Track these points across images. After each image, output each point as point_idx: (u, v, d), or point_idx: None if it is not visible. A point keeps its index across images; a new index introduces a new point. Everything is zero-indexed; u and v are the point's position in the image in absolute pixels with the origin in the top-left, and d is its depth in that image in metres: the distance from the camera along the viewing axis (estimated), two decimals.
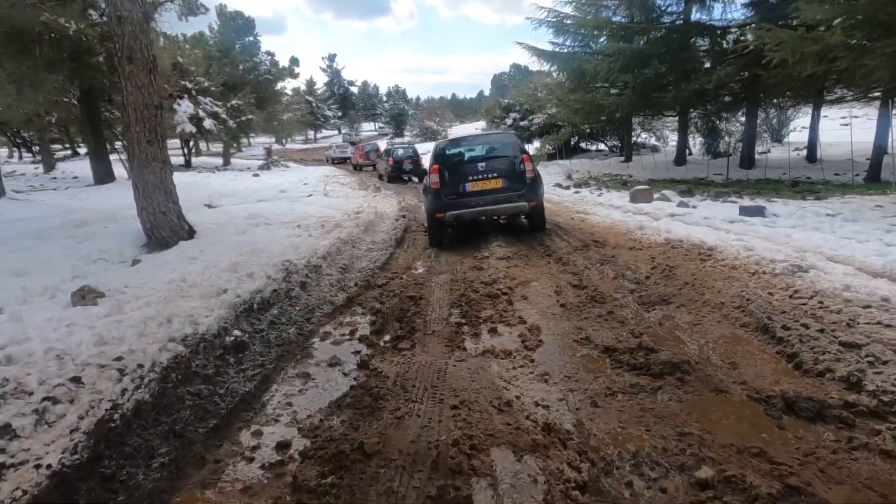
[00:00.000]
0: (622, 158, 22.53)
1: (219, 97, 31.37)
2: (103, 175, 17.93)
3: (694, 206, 9.99)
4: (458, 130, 57.42)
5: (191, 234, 6.24)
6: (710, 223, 8.01)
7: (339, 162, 36.36)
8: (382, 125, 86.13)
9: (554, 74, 21.78)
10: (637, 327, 3.98)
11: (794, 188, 11.90)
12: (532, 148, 29.02)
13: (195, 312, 3.75)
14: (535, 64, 18.80)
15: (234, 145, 44.93)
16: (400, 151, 21.34)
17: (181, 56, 30.18)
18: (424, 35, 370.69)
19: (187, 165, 31.34)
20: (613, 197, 12.35)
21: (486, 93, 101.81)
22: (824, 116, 25.59)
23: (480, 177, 7.30)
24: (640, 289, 4.90)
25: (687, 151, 19.44)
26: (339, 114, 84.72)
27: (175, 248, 5.73)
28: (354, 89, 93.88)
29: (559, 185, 15.68)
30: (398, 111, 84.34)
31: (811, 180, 13.23)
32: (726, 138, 21.51)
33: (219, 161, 35.81)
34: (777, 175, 14.49)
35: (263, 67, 37.27)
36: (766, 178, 14.22)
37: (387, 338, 3.99)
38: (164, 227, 5.89)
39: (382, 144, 28.83)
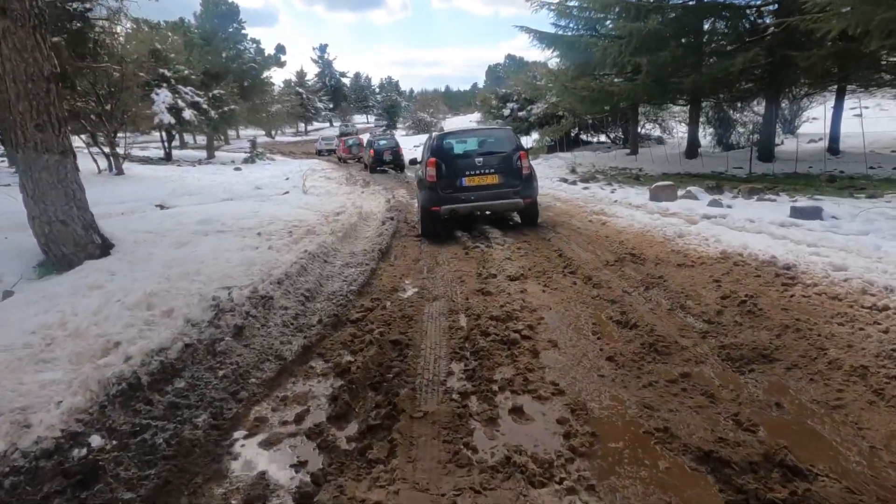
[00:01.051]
0: (627, 151, 21.19)
1: (200, 86, 29.79)
2: None
3: (729, 206, 8.61)
4: (452, 123, 55.86)
5: (105, 248, 4.76)
6: (760, 227, 6.62)
7: (327, 153, 36.04)
8: (377, 117, 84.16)
9: (553, 64, 20.34)
10: (740, 409, 2.57)
11: (833, 184, 10.57)
12: (530, 140, 27.66)
13: (39, 398, 2.31)
14: (535, 51, 17.64)
15: (221, 137, 43.14)
16: (382, 142, 22.12)
17: (159, 42, 28.59)
18: (417, 27, 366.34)
19: (167, 159, 29.68)
20: (629, 194, 10.95)
21: (481, 85, 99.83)
22: (832, 108, 24.34)
23: (478, 172, 7.11)
24: (717, 332, 3.48)
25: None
26: (331, 106, 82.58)
27: (78, 269, 4.26)
28: (346, 81, 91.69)
29: (564, 180, 14.28)
30: (391, 103, 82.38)
31: (845, 174, 11.89)
32: (739, 129, 20.19)
33: (204, 154, 34.12)
34: (802, 168, 13.16)
35: (248, 56, 35.48)
36: (794, 171, 12.87)
37: (352, 430, 2.55)
38: (65, 240, 4.41)
39: (366, 138, 28.21)
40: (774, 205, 8.66)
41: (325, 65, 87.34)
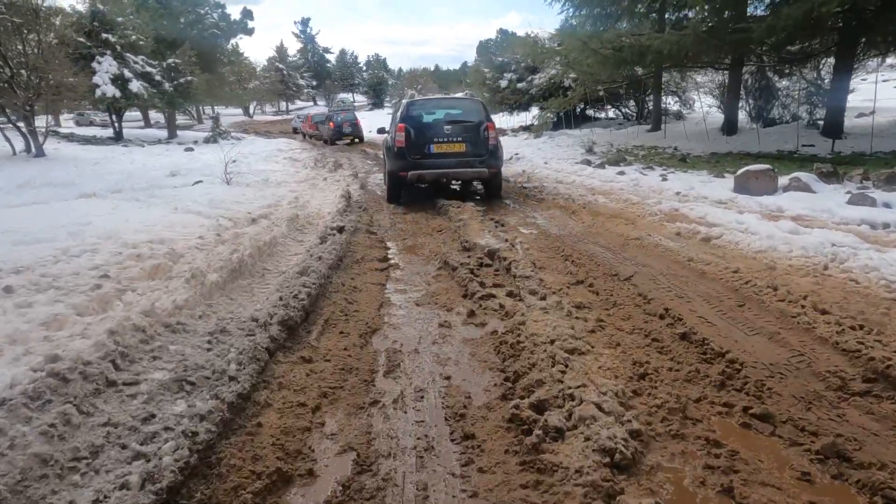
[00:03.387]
0: (647, 127, 17.89)
1: (152, 55, 25.91)
2: None
3: (886, 205, 5.37)
4: None
5: None
6: None
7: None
8: (365, 94, 79.62)
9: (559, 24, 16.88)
10: None
11: None
12: (530, 116, 24.24)
13: None
14: (530, 27, 13.91)
15: (192, 116, 38.95)
16: (341, 116, 23.80)
17: (102, 3, 24.70)
18: (405, 4, 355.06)
19: (118, 138, 25.64)
20: (691, 182, 7.68)
21: (471, 63, 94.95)
22: (863, 80, 21.27)
23: (445, 139, 7.16)
24: None
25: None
26: (314, 83, 77.73)
27: None
28: (331, 57, 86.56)
29: (587, 163, 10.89)
30: (377, 80, 77.60)
31: None
32: (783, 100, 16.91)
33: (166, 134, 30.10)
34: (887, 146, 9.95)
35: (210, 21, 31.16)
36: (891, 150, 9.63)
37: None
38: None
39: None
40: None
41: (307, 39, 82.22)
